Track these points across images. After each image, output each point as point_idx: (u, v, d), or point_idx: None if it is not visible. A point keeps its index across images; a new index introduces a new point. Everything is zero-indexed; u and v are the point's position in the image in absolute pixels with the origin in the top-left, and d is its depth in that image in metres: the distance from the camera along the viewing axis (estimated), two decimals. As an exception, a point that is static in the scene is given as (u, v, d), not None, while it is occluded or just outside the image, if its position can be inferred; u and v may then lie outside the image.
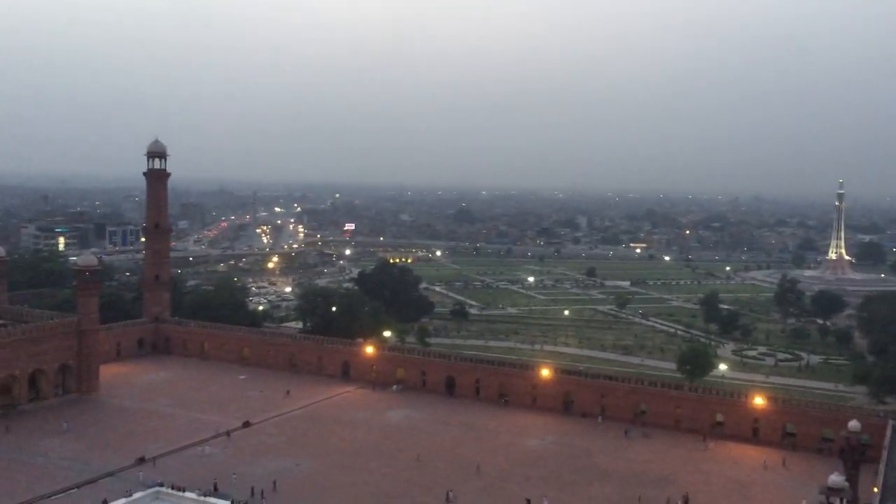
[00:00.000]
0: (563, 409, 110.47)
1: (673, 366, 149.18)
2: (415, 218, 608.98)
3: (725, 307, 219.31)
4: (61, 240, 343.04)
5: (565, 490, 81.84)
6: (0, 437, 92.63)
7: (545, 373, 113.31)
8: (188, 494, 77.04)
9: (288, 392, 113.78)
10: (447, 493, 77.72)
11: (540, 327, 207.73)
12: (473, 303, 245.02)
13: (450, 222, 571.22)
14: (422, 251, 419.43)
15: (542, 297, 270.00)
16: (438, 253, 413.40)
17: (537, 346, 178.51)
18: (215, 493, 77.30)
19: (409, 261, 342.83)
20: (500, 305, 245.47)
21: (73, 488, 78.08)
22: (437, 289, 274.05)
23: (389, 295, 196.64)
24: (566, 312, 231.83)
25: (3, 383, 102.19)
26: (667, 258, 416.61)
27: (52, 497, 75.77)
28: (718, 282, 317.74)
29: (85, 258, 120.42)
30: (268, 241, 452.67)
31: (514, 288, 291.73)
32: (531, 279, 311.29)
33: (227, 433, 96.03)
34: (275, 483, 79.49)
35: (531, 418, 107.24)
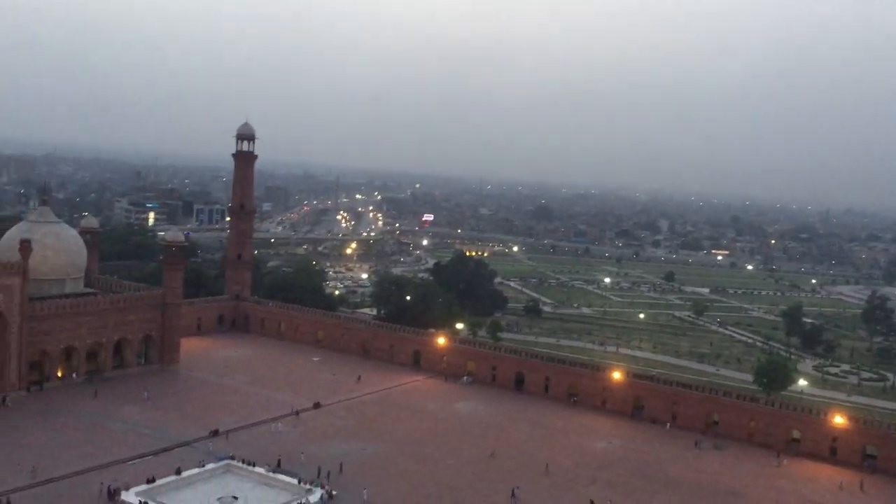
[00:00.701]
0: (633, 413, 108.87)
1: (749, 377, 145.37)
2: (493, 212, 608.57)
3: (809, 321, 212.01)
4: (151, 215, 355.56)
5: (631, 496, 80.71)
6: (88, 401, 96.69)
7: (616, 375, 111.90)
8: (257, 469, 79.29)
9: (359, 378, 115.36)
10: (513, 490, 77.54)
11: (614, 329, 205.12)
12: (547, 300, 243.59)
13: (528, 218, 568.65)
14: (498, 246, 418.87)
15: (617, 298, 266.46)
16: (515, 248, 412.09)
17: (610, 348, 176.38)
18: (278, 468, 79.28)
19: (486, 254, 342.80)
20: (575, 305, 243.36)
21: (149, 455, 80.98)
22: (512, 284, 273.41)
23: (464, 287, 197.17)
24: (641, 316, 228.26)
25: (91, 350, 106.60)
26: (749, 267, 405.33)
27: (130, 462, 78.70)
28: (803, 294, 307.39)
29: (172, 234, 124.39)
30: (347, 227, 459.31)
31: (590, 288, 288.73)
32: (607, 280, 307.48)
33: (298, 413, 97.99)
34: (341, 465, 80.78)
35: (599, 420, 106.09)
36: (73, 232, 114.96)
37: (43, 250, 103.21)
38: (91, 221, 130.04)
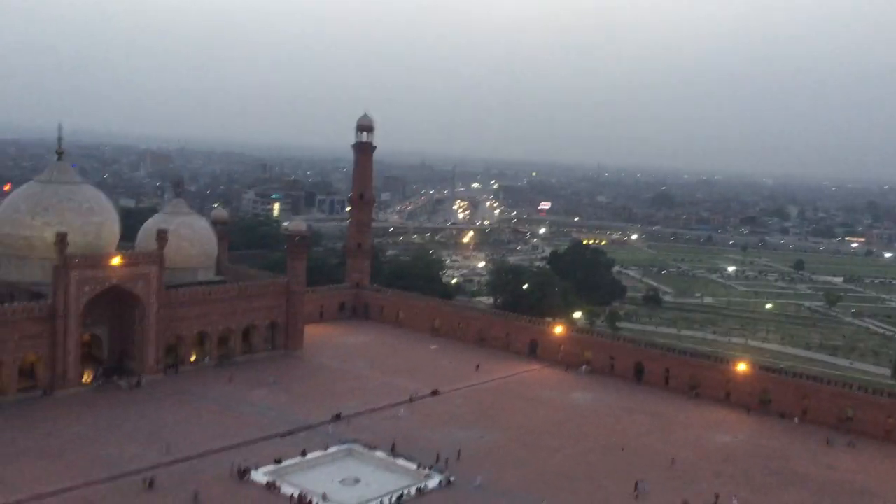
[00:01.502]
0: (759, 406, 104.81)
1: (887, 371, 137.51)
2: (611, 200, 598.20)
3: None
4: (276, 205, 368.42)
5: (757, 491, 77.93)
6: (219, 384, 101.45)
7: (742, 367, 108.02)
8: (378, 453, 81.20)
9: (478, 366, 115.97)
10: (636, 484, 76.10)
11: (738, 320, 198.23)
12: (668, 290, 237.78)
13: (648, 206, 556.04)
14: (617, 234, 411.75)
15: (742, 288, 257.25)
16: (634, 237, 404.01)
17: (734, 340, 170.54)
18: (392, 452, 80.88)
19: (604, 243, 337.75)
20: (697, 294, 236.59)
21: (275, 437, 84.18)
22: (631, 273, 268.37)
23: (581, 276, 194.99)
24: (768, 306, 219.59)
25: (221, 335, 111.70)
26: (888, 255, 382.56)
27: (258, 443, 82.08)
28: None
29: (295, 224, 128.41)
30: (464, 217, 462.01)
31: (713, 277, 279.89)
32: (731, 269, 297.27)
33: (412, 399, 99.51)
34: (459, 452, 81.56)
35: (723, 413, 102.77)
36: (205, 222, 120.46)
37: (177, 240, 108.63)
38: (221, 212, 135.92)
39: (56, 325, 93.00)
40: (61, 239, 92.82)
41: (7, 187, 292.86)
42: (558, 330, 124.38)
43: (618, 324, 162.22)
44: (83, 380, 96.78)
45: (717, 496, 74.72)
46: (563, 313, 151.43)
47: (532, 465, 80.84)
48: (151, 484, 69.49)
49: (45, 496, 66.97)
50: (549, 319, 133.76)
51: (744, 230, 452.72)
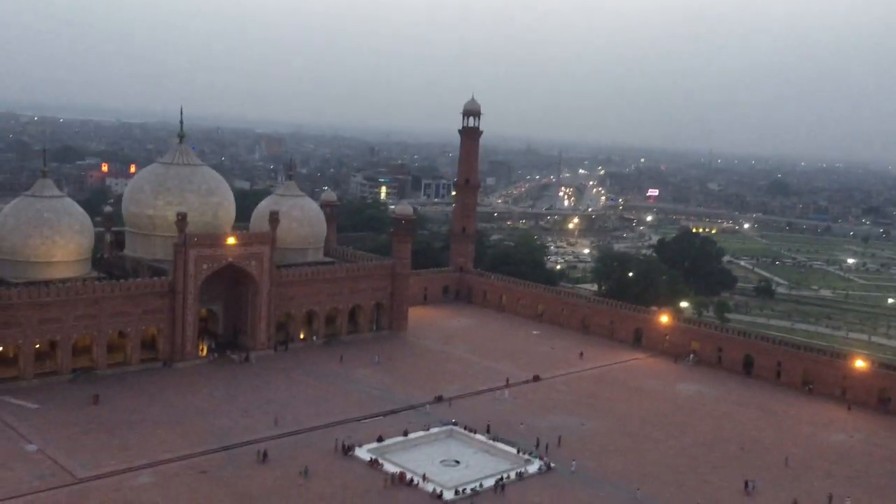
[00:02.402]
0: (878, 405, 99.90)
1: None
2: (723, 187, 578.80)
3: None
4: (383, 189, 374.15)
5: (874, 492, 74.54)
6: (326, 362, 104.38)
7: (860, 363, 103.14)
8: (478, 436, 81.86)
9: (582, 354, 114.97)
10: (746, 482, 73.80)
11: (857, 314, 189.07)
12: (781, 281, 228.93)
13: (762, 194, 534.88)
14: (728, 223, 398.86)
15: (862, 281, 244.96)
16: (746, 226, 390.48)
17: (852, 334, 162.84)
18: (488, 434, 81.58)
19: (714, 231, 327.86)
20: (813, 287, 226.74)
21: (379, 415, 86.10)
22: (742, 263, 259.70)
23: (689, 265, 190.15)
24: (891, 301, 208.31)
25: (329, 315, 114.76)
26: None
27: (362, 420, 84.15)
28: None
29: (402, 207, 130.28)
30: (569, 203, 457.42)
31: (830, 269, 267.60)
32: (851, 261, 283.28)
33: (508, 381, 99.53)
34: (559, 438, 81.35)
35: (838, 411, 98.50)
36: (315, 205, 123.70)
37: (289, 222, 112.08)
38: (330, 195, 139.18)
39: (176, 300, 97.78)
40: (181, 218, 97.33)
41: (132, 168, 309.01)
42: (664, 319, 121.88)
43: (727, 315, 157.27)
44: (199, 353, 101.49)
45: (830, 497, 71.86)
46: (670, 303, 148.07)
47: (634, 455, 79.80)
48: (265, 457, 72.15)
49: (165, 462, 70.78)
50: (654, 308, 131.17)
51: (866, 221, 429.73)
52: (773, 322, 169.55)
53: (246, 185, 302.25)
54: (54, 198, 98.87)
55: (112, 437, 75.36)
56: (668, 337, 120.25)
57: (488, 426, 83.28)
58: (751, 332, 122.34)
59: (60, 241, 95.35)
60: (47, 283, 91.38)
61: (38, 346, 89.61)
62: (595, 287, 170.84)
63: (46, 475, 66.70)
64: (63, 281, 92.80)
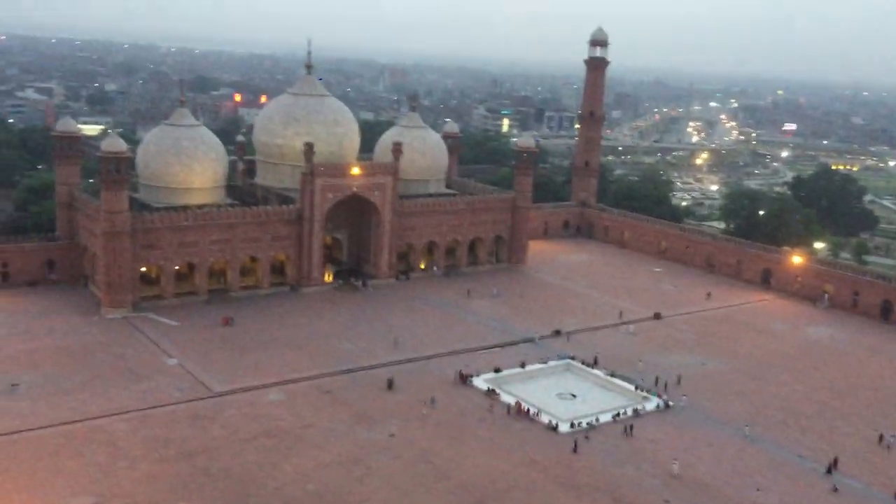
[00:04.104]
0: None
1: None
2: (869, 122, 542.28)
3: None
4: (505, 121, 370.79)
5: None
6: (445, 292, 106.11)
7: None
8: (595, 371, 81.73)
9: (709, 294, 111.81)
10: (881, 435, 70.57)
11: None
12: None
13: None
14: (872, 159, 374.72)
15: None
16: (892, 163, 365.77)
17: None
18: (594, 364, 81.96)
19: (856, 169, 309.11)
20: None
21: (496, 347, 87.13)
22: (886, 203, 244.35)
23: (826, 204, 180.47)
24: None
25: (449, 246, 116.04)
26: None
27: (480, 351, 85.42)
28: None
29: (524, 140, 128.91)
30: (698, 137, 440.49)
31: None
32: None
33: (631, 321, 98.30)
34: (679, 377, 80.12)
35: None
36: (437, 136, 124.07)
37: (411, 153, 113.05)
38: (452, 127, 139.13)
39: (303, 227, 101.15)
40: (309, 148, 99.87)
41: (263, 99, 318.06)
42: (796, 260, 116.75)
43: (865, 257, 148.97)
44: (325, 279, 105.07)
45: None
46: (803, 243, 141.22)
47: (757, 398, 77.78)
48: (391, 385, 74.23)
49: (292, 381, 74.37)
50: (785, 249, 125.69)
51: None
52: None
53: (370, 116, 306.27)
54: (191, 127, 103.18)
55: (244, 355, 79.64)
56: (799, 278, 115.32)
57: (595, 359, 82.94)
58: (891, 275, 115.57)
59: (197, 168, 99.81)
60: (185, 208, 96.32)
61: (177, 267, 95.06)
62: (722, 225, 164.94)
63: (186, 388, 71.42)
64: (199, 206, 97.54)
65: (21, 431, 61.44)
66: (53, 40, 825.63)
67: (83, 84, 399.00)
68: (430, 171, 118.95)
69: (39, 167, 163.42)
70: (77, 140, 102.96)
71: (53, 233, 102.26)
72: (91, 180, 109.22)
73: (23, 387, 69.02)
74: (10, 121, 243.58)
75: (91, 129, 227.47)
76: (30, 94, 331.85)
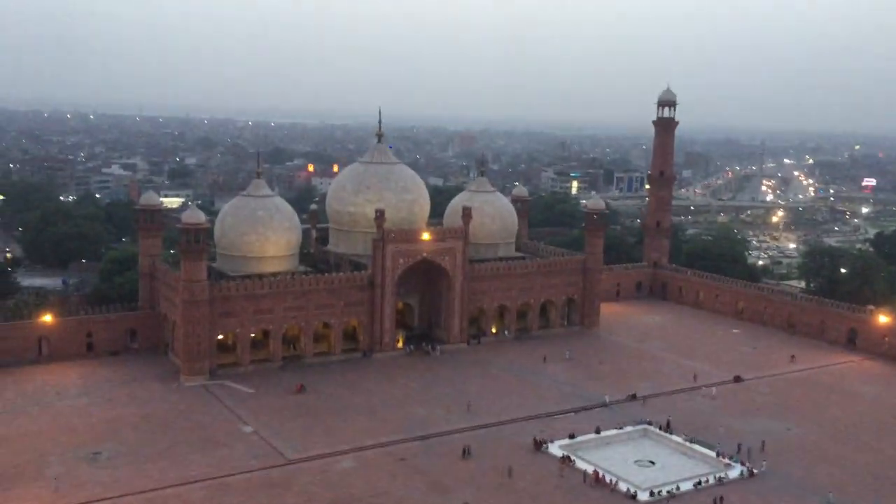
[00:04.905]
0: None
1: None
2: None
3: None
4: (574, 183, 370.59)
5: None
6: (526, 359, 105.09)
7: None
8: (674, 437, 79.27)
9: (793, 357, 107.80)
10: None
11: None
12: None
13: None
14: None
15: None
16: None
17: None
18: (667, 428, 79.73)
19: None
20: None
21: (571, 412, 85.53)
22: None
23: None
24: None
25: (520, 310, 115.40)
26: None
27: (555, 416, 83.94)
28: None
29: (594, 202, 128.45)
30: (773, 195, 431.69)
31: None
32: None
33: (710, 384, 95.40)
34: (763, 443, 77.08)
35: None
36: (506, 200, 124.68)
37: (480, 217, 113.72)
38: (521, 190, 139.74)
39: (375, 293, 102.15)
40: (380, 214, 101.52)
41: (335, 168, 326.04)
42: (883, 319, 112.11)
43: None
44: (396, 345, 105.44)
45: None
46: (889, 301, 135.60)
47: (847, 465, 74.13)
48: (466, 453, 72.96)
49: (366, 448, 74.22)
50: (871, 307, 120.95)
51: None
52: None
53: (439, 182, 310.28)
54: (267, 197, 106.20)
55: (317, 422, 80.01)
56: (887, 339, 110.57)
57: (668, 422, 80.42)
58: None
59: (272, 237, 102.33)
60: (260, 276, 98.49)
61: (253, 334, 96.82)
62: (802, 284, 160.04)
63: (260, 455, 71.98)
64: (274, 274, 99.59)
65: (103, 500, 62.63)
66: (138, 118, 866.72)
67: (165, 159, 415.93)
68: (499, 235, 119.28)
69: (124, 239, 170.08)
70: (159, 213, 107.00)
71: (136, 303, 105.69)
72: (172, 251, 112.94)
73: (105, 455, 70.63)
74: (98, 196, 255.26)
75: (172, 202, 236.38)
76: (115, 169, 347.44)
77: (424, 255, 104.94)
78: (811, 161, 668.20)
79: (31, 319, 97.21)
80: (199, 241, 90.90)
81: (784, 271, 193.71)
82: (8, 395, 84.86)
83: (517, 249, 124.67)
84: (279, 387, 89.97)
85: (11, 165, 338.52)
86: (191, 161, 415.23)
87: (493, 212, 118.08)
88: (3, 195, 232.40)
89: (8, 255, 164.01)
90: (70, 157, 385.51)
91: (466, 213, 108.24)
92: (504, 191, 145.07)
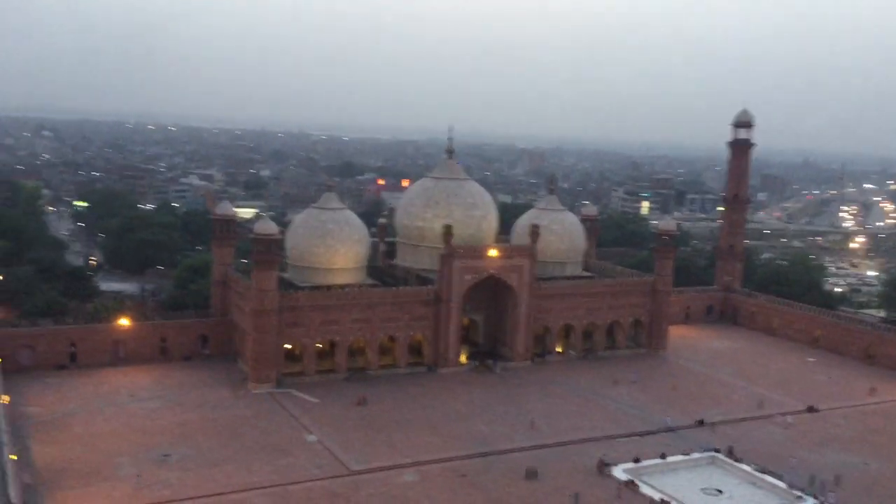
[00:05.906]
0: None
1: None
2: None
3: None
4: (645, 204, 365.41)
5: None
6: (582, 376, 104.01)
7: None
8: (743, 466, 77.10)
9: (873, 389, 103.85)
10: None
11: None
12: None
13: None
14: None
15: None
16: None
17: None
18: (730, 455, 77.54)
19: None
20: None
21: (636, 435, 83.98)
22: None
23: None
24: None
25: (586, 330, 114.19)
26: None
27: (620, 439, 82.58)
28: None
29: (665, 223, 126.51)
30: (853, 220, 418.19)
31: None
32: None
33: (783, 413, 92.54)
34: (837, 477, 74.30)
35: None
36: (575, 219, 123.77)
37: (549, 235, 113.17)
38: (590, 209, 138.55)
39: (440, 308, 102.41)
40: (448, 230, 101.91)
41: (405, 182, 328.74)
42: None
43: None
44: (460, 360, 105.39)
45: None
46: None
47: (928, 505, 70.87)
48: (533, 475, 71.98)
49: (427, 463, 74.22)
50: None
51: None
52: None
53: (508, 199, 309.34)
54: (337, 210, 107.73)
55: (380, 434, 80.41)
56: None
57: (731, 448, 78.10)
58: None
59: (341, 249, 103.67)
60: (328, 287, 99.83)
61: (319, 345, 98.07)
62: (883, 313, 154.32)
63: (323, 465, 72.64)
64: (341, 286, 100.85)
65: (171, 502, 64.06)
66: (216, 130, 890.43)
67: (240, 170, 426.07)
68: (567, 254, 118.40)
69: (199, 248, 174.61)
70: (233, 223, 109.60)
71: (208, 310, 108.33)
72: (244, 260, 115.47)
73: (174, 457, 72.31)
74: (176, 204, 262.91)
75: (245, 213, 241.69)
76: (193, 180, 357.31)
77: (491, 271, 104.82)
78: (894, 187, 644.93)
79: (109, 323, 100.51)
80: (270, 251, 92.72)
81: (863, 299, 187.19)
82: (85, 396, 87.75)
83: (585, 269, 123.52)
84: (343, 398, 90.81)
85: (96, 174, 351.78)
86: (265, 173, 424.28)
87: (561, 230, 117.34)
88: (87, 203, 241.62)
89: (93, 261, 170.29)
90: (150, 166, 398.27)
91: (535, 231, 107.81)
92: (573, 209, 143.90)
